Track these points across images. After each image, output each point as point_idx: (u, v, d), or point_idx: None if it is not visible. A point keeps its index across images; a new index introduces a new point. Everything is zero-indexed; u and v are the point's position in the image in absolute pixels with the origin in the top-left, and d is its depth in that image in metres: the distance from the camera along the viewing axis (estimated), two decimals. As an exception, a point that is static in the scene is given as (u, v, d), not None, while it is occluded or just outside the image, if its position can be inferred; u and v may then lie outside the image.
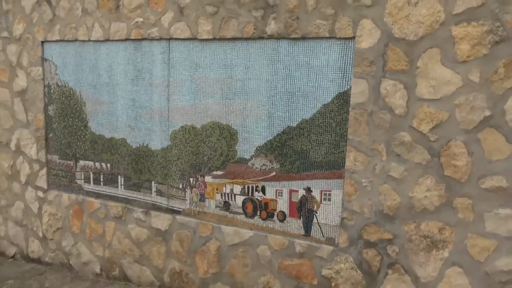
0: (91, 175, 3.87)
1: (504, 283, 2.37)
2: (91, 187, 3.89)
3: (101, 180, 3.81)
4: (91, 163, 3.85)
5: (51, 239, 4.22)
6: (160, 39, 3.28)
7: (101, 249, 3.89)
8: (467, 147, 2.35)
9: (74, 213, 4.01)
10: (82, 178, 3.93)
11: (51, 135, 4.06)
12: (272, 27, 2.80)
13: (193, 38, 3.13)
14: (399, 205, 2.57)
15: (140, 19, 3.34)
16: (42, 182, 4.20)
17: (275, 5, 2.77)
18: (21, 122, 4.26)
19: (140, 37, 3.37)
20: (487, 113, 2.28)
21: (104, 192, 3.81)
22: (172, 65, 3.27)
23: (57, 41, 3.86)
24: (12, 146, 4.38)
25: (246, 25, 2.89)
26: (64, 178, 4.05)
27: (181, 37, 3.17)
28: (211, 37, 3.04)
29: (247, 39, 2.91)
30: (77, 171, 3.95)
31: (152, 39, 3.32)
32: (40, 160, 4.17)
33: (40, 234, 4.30)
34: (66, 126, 3.94)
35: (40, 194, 4.23)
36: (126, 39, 3.46)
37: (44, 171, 4.17)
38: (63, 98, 3.93)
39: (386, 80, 2.50)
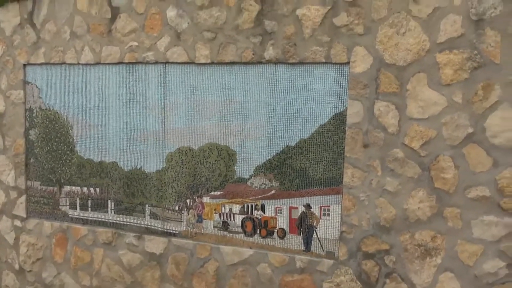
0: (77, 201, 3.78)
1: (491, 284, 2.63)
2: (77, 213, 3.79)
3: (89, 205, 3.73)
4: (77, 188, 3.77)
5: (30, 271, 4.02)
6: (156, 63, 3.37)
7: (87, 278, 3.77)
8: (453, 161, 2.64)
9: (57, 242, 3.87)
10: (67, 204, 3.82)
11: (32, 160, 3.94)
12: (270, 52, 3.00)
13: (191, 62, 3.25)
14: (395, 217, 2.79)
15: (135, 43, 3.42)
16: (20, 210, 4.02)
17: (272, 32, 2.98)
18: (-3, 147, 4.10)
19: (134, 61, 3.44)
20: (470, 130, 2.58)
21: (92, 218, 3.73)
22: (168, 88, 3.36)
23: (41, 64, 3.81)
24: (-14, 173, 4.18)
25: (245, 50, 3.07)
26: (46, 205, 3.91)
27: (178, 61, 3.28)
28: (209, 61, 3.18)
29: (245, 63, 3.09)
30: (62, 197, 3.85)
31: (147, 63, 3.40)
32: (19, 187, 4.01)
33: (16, 267, 4.08)
34: (50, 150, 3.85)
35: (18, 223, 4.04)
36: (119, 63, 3.51)
37: (23, 198, 4.00)
38: (47, 122, 3.85)
39: (379, 102, 2.75)
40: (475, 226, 2.63)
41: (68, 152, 3.78)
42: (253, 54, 3.05)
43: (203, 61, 3.20)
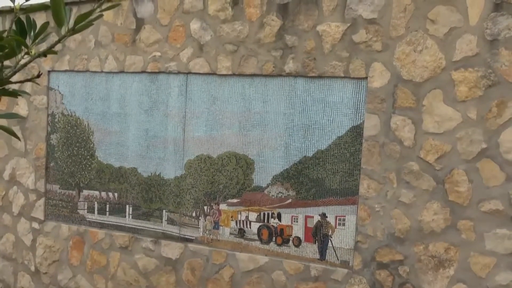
0: (96, 205, 3.94)
1: (503, 297, 2.74)
2: (95, 217, 3.95)
3: (107, 209, 3.90)
4: (96, 192, 3.93)
5: (45, 273, 4.17)
6: (178, 73, 3.56)
7: (103, 281, 3.91)
8: (467, 175, 2.77)
9: (74, 245, 4.03)
10: (86, 208, 3.99)
11: (52, 164, 4.12)
12: (290, 66, 3.17)
13: (212, 73, 3.43)
14: (409, 228, 2.92)
15: (158, 53, 3.62)
16: (38, 212, 4.19)
17: (293, 47, 3.16)
18: (18, 151, 4.29)
19: (157, 70, 3.63)
20: (484, 145, 2.73)
21: (110, 222, 3.89)
22: (189, 98, 3.54)
23: (65, 71, 4.02)
24: (6, 175, 4.36)
25: (265, 63, 3.25)
26: (65, 209, 4.08)
27: (200, 72, 3.47)
28: (230, 73, 3.36)
29: (265, 76, 3.26)
30: (80, 201, 4.01)
31: (169, 73, 3.59)
32: (38, 190, 4.19)
33: (32, 268, 4.23)
34: (70, 155, 4.03)
35: (36, 225, 4.21)
36: (142, 72, 3.70)
37: (41, 201, 4.17)
38: (68, 127, 4.04)
39: (396, 116, 2.91)
40: (488, 239, 2.76)
41: (88, 157, 3.96)
42: (273, 67, 3.23)
43: (224, 72, 3.38)
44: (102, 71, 3.85)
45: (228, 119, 3.40)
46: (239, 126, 3.37)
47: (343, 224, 3.10)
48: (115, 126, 3.84)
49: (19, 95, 1.08)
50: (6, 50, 1.04)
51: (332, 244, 3.14)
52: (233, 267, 3.41)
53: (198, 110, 3.50)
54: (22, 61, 1.13)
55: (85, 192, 3.98)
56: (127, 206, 3.81)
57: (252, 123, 3.33)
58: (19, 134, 4.27)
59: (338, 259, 3.13)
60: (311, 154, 3.16)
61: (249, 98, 3.33)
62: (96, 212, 3.94)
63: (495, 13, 2.66)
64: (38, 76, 1.14)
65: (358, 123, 3.03)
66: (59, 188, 4.09)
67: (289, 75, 3.19)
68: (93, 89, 3.92)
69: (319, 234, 3.17)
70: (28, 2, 1.04)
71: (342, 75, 3.03)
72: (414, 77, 2.86)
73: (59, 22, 0.93)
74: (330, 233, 3.14)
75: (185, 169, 3.57)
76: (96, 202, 3.94)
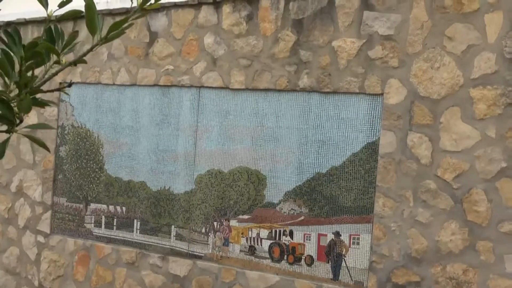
0: (103, 219, 3.94)
1: (525, 323, 2.68)
2: (102, 231, 3.94)
3: (114, 224, 3.89)
4: (104, 206, 3.93)
5: (49, 288, 4.14)
6: (191, 86, 3.59)
7: (108, 298, 3.87)
8: (486, 194, 2.75)
9: (79, 260, 4.01)
10: (92, 222, 3.98)
11: (60, 176, 4.14)
12: (304, 81, 3.20)
13: (225, 87, 3.47)
14: (426, 248, 2.88)
15: (171, 67, 3.66)
16: (44, 226, 4.19)
17: (308, 62, 3.19)
18: (26, 162, 4.31)
19: (169, 84, 3.67)
20: (503, 164, 2.71)
21: (117, 237, 3.87)
22: (201, 111, 3.57)
23: (77, 83, 4.08)
24: (13, 187, 4.38)
25: (279, 78, 3.28)
26: (71, 222, 4.08)
27: (213, 86, 3.50)
28: (243, 87, 3.39)
29: (279, 90, 3.29)
30: (87, 215, 4.01)
31: (182, 86, 3.63)
32: (45, 202, 4.20)
33: (36, 283, 4.20)
34: (79, 167, 4.05)
35: (41, 239, 4.20)
36: (154, 85, 3.74)
37: (48, 214, 4.18)
38: (78, 140, 4.07)
39: (413, 133, 2.91)
40: (508, 261, 2.71)
41: (97, 170, 3.97)
42: (287, 82, 3.25)
43: (237, 86, 3.41)
44: (114, 84, 3.90)
45: (240, 133, 3.41)
46: (251, 141, 3.38)
47: (358, 243, 3.07)
48: (125, 139, 3.86)
49: (48, 105, 1.10)
50: (38, 59, 1.06)
51: (346, 263, 3.10)
52: (243, 285, 3.37)
53: (210, 124, 3.52)
54: (51, 70, 1.15)
55: (93, 206, 3.98)
56: (135, 220, 3.80)
57: (264, 138, 3.34)
58: (27, 146, 4.31)
59: (352, 280, 3.08)
60: (325, 171, 3.15)
61: (262, 113, 3.35)
62: (103, 226, 3.93)
63: (513, 31, 2.68)
64: (70, 85, 1.16)
65: (374, 139, 3.03)
66: (66, 201, 4.10)
67: (303, 90, 3.21)
68: (104, 102, 3.96)
69: (333, 253, 3.14)
70: (59, 10, 1.07)
71: (357, 91, 3.05)
72: (431, 94, 2.87)
73: (93, 30, 0.96)
74: (344, 252, 3.11)
75: (196, 183, 3.57)
76: (103, 216, 3.93)
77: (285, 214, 3.27)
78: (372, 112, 3.04)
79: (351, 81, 3.07)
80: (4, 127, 1.14)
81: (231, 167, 3.45)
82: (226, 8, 3.47)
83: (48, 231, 4.16)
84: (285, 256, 3.27)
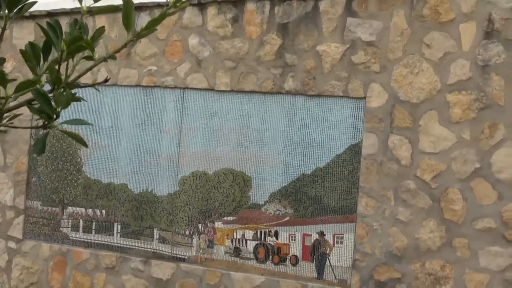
0: (81, 223, 3.89)
1: (497, 313, 2.92)
2: (79, 235, 3.89)
3: (93, 227, 3.85)
4: (82, 209, 3.89)
5: (21, 296, 4.04)
6: (175, 87, 3.64)
7: (86, 304, 3.83)
8: (462, 193, 2.98)
9: (54, 265, 3.94)
10: (69, 226, 3.93)
11: (34, 179, 4.05)
12: (290, 84, 3.33)
13: (210, 89, 3.54)
14: (407, 246, 3.08)
15: (154, 67, 3.69)
16: (16, 231, 4.08)
17: (293, 65, 3.33)
18: (-4, 164, 4.19)
19: (152, 84, 3.70)
20: (477, 165, 2.95)
21: (96, 241, 3.84)
22: (185, 113, 3.62)
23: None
24: (-19, 191, 4.24)
25: (265, 80, 3.39)
26: (46, 227, 4.00)
27: (198, 87, 3.56)
28: (228, 89, 3.48)
29: (265, 93, 3.40)
30: (64, 219, 3.95)
31: (165, 87, 3.67)
32: (17, 206, 4.09)
33: (6, 291, 4.08)
34: (55, 170, 3.98)
35: (12, 245, 4.09)
36: (136, 85, 3.76)
37: (20, 218, 4.08)
38: (54, 141, 4.01)
39: (393, 135, 3.10)
40: (482, 256, 2.94)
41: (74, 172, 3.93)
42: (273, 84, 3.37)
43: (223, 88, 3.49)
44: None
45: (226, 135, 3.49)
46: (236, 142, 3.46)
47: (341, 242, 3.22)
48: (105, 140, 3.84)
49: (83, 100, 1.15)
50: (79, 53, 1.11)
51: (330, 262, 3.24)
52: (228, 287, 3.44)
53: (194, 126, 3.58)
54: (78, 66, 1.20)
55: (70, 209, 3.93)
56: (115, 224, 3.79)
57: (250, 139, 3.43)
58: (-2, 147, 4.19)
59: (336, 278, 3.23)
60: (310, 172, 3.29)
61: (247, 115, 3.45)
62: (81, 230, 3.88)
63: (486, 40, 2.93)
64: (106, 80, 1.21)
65: (357, 141, 3.20)
66: (41, 205, 4.02)
67: (288, 93, 3.34)
68: (83, 102, 3.91)
69: (317, 253, 3.27)
70: (95, 4, 1.11)
71: (341, 94, 3.21)
72: (411, 98, 3.07)
73: (129, 26, 1.01)
74: (328, 252, 3.25)
75: (179, 185, 3.61)
76: (81, 220, 3.89)
77: (270, 215, 3.38)
78: (355, 115, 3.21)
79: (335, 84, 3.23)
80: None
81: (216, 169, 3.52)
82: (211, 10, 3.54)
83: (20, 237, 4.06)
84: (270, 256, 3.37)
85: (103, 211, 3.82)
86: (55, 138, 4.01)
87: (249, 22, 3.44)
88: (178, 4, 0.98)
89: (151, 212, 3.69)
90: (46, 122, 0.93)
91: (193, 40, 3.59)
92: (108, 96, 3.84)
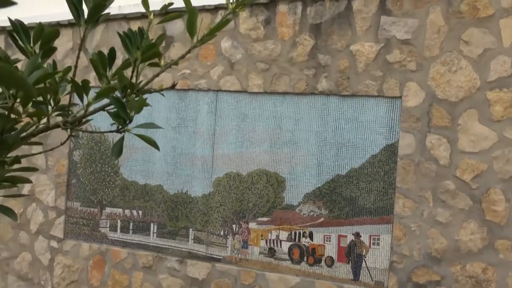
0: (119, 223, 4.03)
1: (544, 319, 2.82)
2: (117, 235, 4.03)
3: (130, 228, 3.98)
4: (119, 210, 4.02)
5: (63, 293, 4.21)
6: (208, 90, 3.71)
7: (124, 302, 3.95)
8: (504, 194, 2.89)
9: (94, 264, 4.09)
10: (108, 226, 4.07)
11: (73, 181, 4.22)
12: (323, 84, 3.33)
13: (243, 91, 3.59)
14: (446, 247, 3.02)
15: (187, 71, 3.78)
16: (58, 231, 4.27)
17: (326, 65, 3.33)
18: (39, 167, 4.39)
19: (186, 87, 3.78)
20: (521, 165, 2.86)
21: (133, 241, 3.96)
22: (219, 115, 3.68)
23: (91, 87, 4.17)
24: (25, 192, 4.45)
25: (298, 81, 3.41)
26: (86, 227, 4.16)
27: (230, 90, 3.62)
28: (261, 90, 3.52)
29: (297, 94, 3.42)
30: (102, 219, 4.10)
31: (199, 90, 3.75)
32: (58, 207, 4.27)
33: (49, 289, 4.27)
34: (93, 172, 4.14)
35: (54, 244, 4.27)
36: (171, 89, 3.85)
37: (61, 219, 4.26)
38: (92, 144, 4.16)
39: (431, 135, 3.05)
40: (526, 259, 2.85)
41: (112, 174, 4.06)
42: (306, 85, 3.38)
43: (255, 90, 3.54)
44: (129, 88, 4.00)
45: (259, 136, 3.53)
46: (270, 143, 3.50)
47: (378, 244, 3.19)
48: (140, 142, 3.96)
49: (150, 105, 1.20)
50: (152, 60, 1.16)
51: (366, 264, 3.22)
52: (262, 287, 3.48)
53: (227, 128, 3.64)
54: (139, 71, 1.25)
55: (108, 210, 4.07)
56: (152, 224, 3.90)
57: (283, 141, 3.46)
58: (40, 150, 4.38)
59: (372, 280, 3.20)
60: (344, 173, 3.28)
61: (280, 116, 3.47)
62: (118, 230, 4.02)
63: (528, 35, 2.84)
64: (174, 86, 1.27)
65: (393, 141, 3.17)
66: (80, 206, 4.18)
67: (322, 93, 3.35)
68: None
69: (353, 254, 3.26)
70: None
71: (376, 94, 3.19)
72: (449, 97, 3.02)
73: (192, 33, 1.05)
74: (364, 253, 3.23)
75: (214, 186, 3.68)
76: (119, 220, 4.02)
77: (304, 215, 3.39)
78: (391, 115, 3.18)
79: (369, 84, 3.21)
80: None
81: (250, 170, 3.56)
82: (243, 13, 3.59)
83: (61, 236, 4.24)
84: (305, 257, 3.38)
85: (140, 212, 3.94)
86: (93, 141, 4.16)
87: (281, 24, 3.47)
88: (237, 10, 1.02)
89: (186, 212, 3.77)
90: (121, 127, 0.99)
91: (225, 43, 3.65)
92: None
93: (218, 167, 3.66)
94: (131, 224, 3.97)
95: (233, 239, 3.61)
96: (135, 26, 3.94)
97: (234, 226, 3.60)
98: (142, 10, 3.87)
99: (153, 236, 3.88)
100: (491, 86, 2.92)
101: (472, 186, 2.96)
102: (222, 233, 3.64)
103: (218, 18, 3.67)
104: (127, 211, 3.99)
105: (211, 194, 3.69)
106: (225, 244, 3.63)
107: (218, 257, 3.65)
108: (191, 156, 3.76)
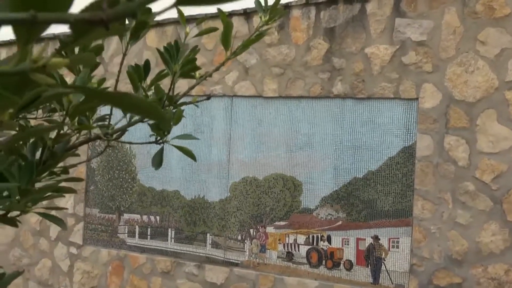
0: (137, 229, 4.08)
1: None
2: (135, 241, 4.08)
3: (148, 233, 4.02)
4: (137, 216, 4.07)
5: (83, 299, 4.27)
6: (223, 95, 3.75)
7: (143, 308, 3.99)
8: (526, 195, 2.87)
9: (113, 270, 4.14)
10: (126, 232, 4.12)
11: (92, 188, 4.29)
12: (338, 87, 3.35)
13: (258, 96, 3.62)
14: (467, 249, 2.99)
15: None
16: (77, 237, 4.33)
17: (341, 69, 3.34)
18: (57, 174, 4.47)
19: (201, 93, 3.83)
20: (542, 164, 2.83)
21: (151, 246, 4.01)
22: (234, 120, 3.72)
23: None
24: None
25: (313, 85, 3.43)
26: (104, 233, 4.22)
27: (246, 95, 3.66)
28: (276, 95, 3.54)
29: (313, 97, 3.44)
30: (120, 225, 4.15)
31: (214, 96, 3.79)
32: (77, 214, 4.34)
33: (69, 295, 4.33)
34: (111, 178, 4.20)
35: (73, 250, 4.34)
36: (186, 95, 3.90)
37: (80, 225, 4.32)
38: (110, 150, 4.23)
39: (449, 136, 3.04)
40: (550, 261, 2.81)
41: (129, 180, 4.12)
42: (321, 89, 3.40)
43: (270, 95, 3.56)
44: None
45: (274, 141, 3.55)
46: (286, 148, 3.52)
47: (397, 247, 3.18)
48: (158, 149, 4.01)
49: (184, 116, 1.23)
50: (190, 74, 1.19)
51: (385, 267, 3.21)
52: (281, 292, 3.48)
53: (243, 133, 3.67)
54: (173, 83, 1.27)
55: (126, 216, 4.12)
56: (169, 229, 3.94)
57: (299, 145, 3.47)
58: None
59: (392, 283, 3.19)
60: (362, 175, 3.28)
61: (296, 120, 3.49)
62: (137, 236, 4.06)
63: (546, 34, 2.82)
64: (208, 98, 1.30)
65: (410, 143, 3.16)
66: (99, 212, 4.25)
67: (337, 96, 3.36)
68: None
69: (372, 257, 3.25)
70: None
71: (392, 96, 3.19)
72: (466, 98, 3.00)
73: (227, 45, 1.08)
74: (383, 256, 3.22)
75: (230, 191, 3.71)
76: (137, 226, 4.07)
77: (322, 219, 3.39)
78: (408, 117, 3.17)
79: (385, 86, 3.21)
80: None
81: (266, 174, 3.58)
82: (257, 19, 3.63)
83: (80, 242, 4.31)
84: (324, 261, 3.38)
85: (158, 217, 3.98)
86: (110, 148, 4.23)
87: (295, 28, 3.50)
88: (270, 22, 1.04)
89: (204, 217, 3.80)
90: (159, 138, 1.03)
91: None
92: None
93: (235, 172, 3.69)
94: (149, 229, 4.01)
95: (251, 244, 3.62)
96: (151, 33, 4.01)
97: (251, 230, 3.62)
98: (158, 17, 3.93)
99: (171, 241, 3.92)
100: (509, 86, 2.91)
101: (492, 187, 2.94)
102: (239, 237, 3.66)
103: (244, 23, 3.71)
104: (144, 217, 4.04)
105: (228, 199, 3.71)
106: (242, 249, 3.65)
107: (236, 261, 3.67)
108: (208, 161, 3.80)
